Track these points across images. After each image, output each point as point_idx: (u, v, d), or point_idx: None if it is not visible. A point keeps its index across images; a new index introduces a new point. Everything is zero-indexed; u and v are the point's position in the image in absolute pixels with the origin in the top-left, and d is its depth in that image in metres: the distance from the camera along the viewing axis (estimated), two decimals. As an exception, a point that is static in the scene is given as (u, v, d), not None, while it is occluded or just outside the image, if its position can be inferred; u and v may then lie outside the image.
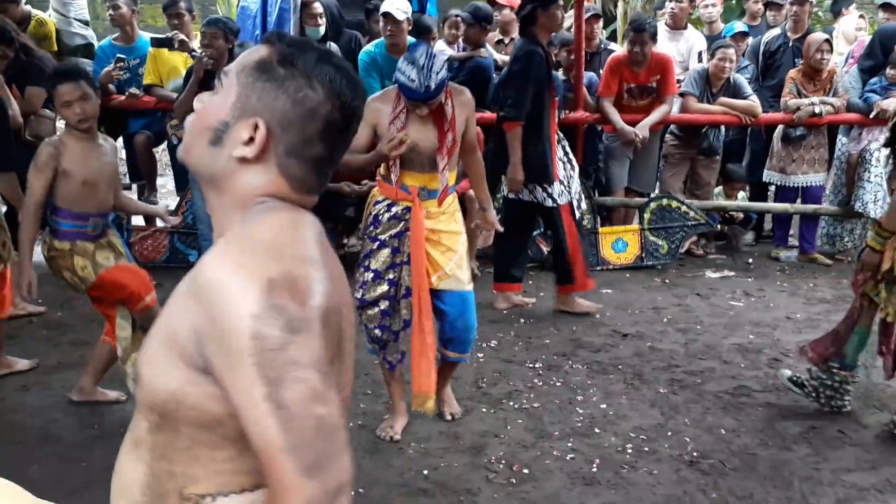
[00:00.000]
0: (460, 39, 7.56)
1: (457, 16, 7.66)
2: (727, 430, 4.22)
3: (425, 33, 7.23)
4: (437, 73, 3.73)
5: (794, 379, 4.53)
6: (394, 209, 4.01)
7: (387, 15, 6.40)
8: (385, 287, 4.02)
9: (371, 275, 4.03)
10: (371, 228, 4.07)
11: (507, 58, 7.19)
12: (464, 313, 4.13)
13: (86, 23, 6.81)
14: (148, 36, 6.95)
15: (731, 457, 3.95)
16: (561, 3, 5.57)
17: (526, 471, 3.81)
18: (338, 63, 1.44)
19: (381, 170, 4.13)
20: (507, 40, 7.78)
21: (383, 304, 4.03)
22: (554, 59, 6.58)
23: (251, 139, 1.37)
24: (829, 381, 4.35)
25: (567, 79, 6.88)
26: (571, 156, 5.89)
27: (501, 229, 4.59)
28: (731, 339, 5.41)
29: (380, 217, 4.03)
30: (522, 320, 5.71)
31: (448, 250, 4.03)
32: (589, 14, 7.21)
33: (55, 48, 6.76)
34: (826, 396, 4.38)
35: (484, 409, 4.40)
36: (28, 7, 6.89)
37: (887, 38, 6.95)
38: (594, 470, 3.80)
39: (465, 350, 4.23)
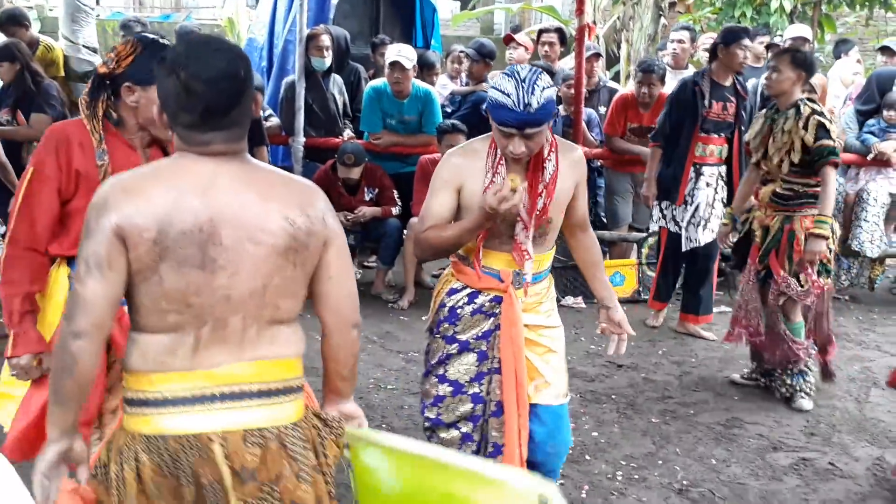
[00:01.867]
0: (463, 74, 7.65)
1: (460, 51, 7.76)
2: (718, 459, 4.22)
3: (429, 68, 7.33)
4: (543, 91, 2.78)
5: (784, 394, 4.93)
6: (478, 300, 3.09)
7: (394, 63, 6.47)
8: (469, 405, 3.14)
9: (449, 388, 3.13)
10: (446, 325, 3.14)
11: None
12: (558, 432, 3.21)
13: (94, 50, 6.90)
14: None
15: (721, 486, 3.96)
16: (745, 42, 5.71)
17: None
18: (191, 41, 2.00)
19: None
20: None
21: (466, 427, 3.16)
22: (557, 93, 6.62)
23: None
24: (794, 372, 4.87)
25: (567, 114, 6.93)
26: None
27: (633, 332, 3.36)
28: (724, 372, 5.41)
29: (458, 311, 3.11)
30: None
31: (548, 351, 3.15)
32: (590, 53, 7.25)
33: (62, 73, 6.84)
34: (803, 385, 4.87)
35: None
36: (37, 32, 6.99)
37: (883, 81, 7.03)
38: (583, 496, 3.81)
39: (552, 477, 3.25)
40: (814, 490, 3.95)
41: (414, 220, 6.49)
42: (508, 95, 2.76)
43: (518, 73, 2.80)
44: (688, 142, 5.81)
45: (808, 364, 4.81)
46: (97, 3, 13.97)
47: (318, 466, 2.01)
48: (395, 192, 6.63)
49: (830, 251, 4.64)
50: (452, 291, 3.14)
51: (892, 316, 6.78)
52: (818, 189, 4.55)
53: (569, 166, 2.99)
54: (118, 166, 2.53)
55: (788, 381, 4.83)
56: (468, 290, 3.10)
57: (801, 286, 4.59)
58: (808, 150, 4.46)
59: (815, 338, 4.79)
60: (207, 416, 1.89)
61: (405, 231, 6.61)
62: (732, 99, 5.82)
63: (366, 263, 7.50)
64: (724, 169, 5.95)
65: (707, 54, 7.93)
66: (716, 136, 5.87)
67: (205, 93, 1.87)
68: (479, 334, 3.10)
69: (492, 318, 3.08)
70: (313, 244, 1.99)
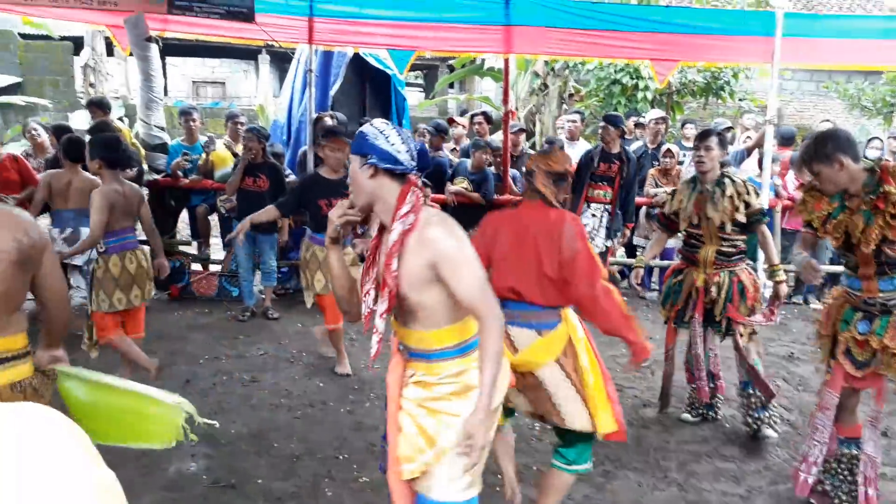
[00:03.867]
0: (425, 144, 7.65)
1: (423, 128, 7.78)
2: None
3: (401, 140, 7.31)
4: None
5: (758, 431, 3.91)
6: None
7: None
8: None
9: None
10: None
11: (456, 158, 7.29)
12: None
13: (162, 128, 6.80)
14: (203, 139, 6.97)
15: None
16: (609, 127, 6.13)
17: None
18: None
19: None
20: (458, 147, 7.85)
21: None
22: (486, 159, 6.70)
23: None
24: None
25: (498, 173, 6.96)
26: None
27: (480, 446, 1.99)
28: (609, 352, 5.27)
29: None
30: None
31: (427, 438, 2.04)
32: (516, 129, 7.33)
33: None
34: (774, 417, 3.97)
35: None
36: (115, 117, 6.90)
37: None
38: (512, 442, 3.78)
39: None
40: (671, 434, 3.98)
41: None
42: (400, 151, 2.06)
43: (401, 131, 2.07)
44: (583, 187, 6.22)
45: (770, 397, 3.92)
46: (165, 93, 13.81)
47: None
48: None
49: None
50: None
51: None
52: (743, 245, 3.93)
53: (417, 242, 1.97)
54: None
55: (755, 415, 3.91)
56: None
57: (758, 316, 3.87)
58: (749, 212, 3.80)
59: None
60: None
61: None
62: (616, 161, 6.20)
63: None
64: (611, 207, 6.23)
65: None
66: (602, 183, 6.25)
67: None
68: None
69: None
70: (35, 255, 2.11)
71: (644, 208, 7.17)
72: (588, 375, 2.69)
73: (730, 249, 3.87)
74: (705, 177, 3.90)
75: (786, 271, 4.25)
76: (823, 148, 2.88)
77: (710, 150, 3.87)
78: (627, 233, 6.55)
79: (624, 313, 2.74)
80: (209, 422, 2.07)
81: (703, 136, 3.96)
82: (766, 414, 3.91)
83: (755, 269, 4.17)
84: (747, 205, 3.78)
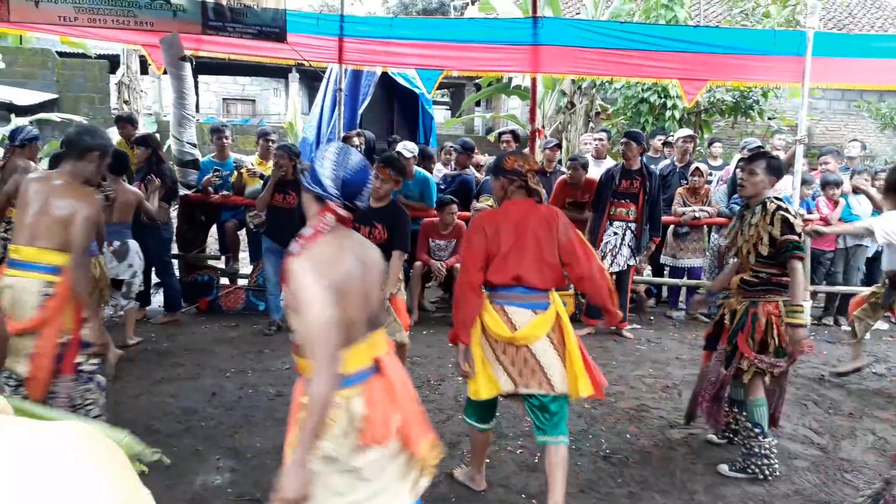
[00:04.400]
0: (452, 162, 7.70)
1: (450, 146, 7.82)
2: (631, 434, 4.18)
3: (429, 159, 7.37)
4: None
5: (733, 467, 3.70)
6: None
7: (399, 153, 6.53)
8: None
9: None
10: None
11: (480, 176, 7.31)
12: None
13: (194, 145, 6.92)
14: (237, 157, 7.08)
15: (633, 453, 3.91)
16: (632, 144, 6.18)
17: (487, 460, 3.75)
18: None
19: None
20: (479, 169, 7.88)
21: None
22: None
23: None
24: (758, 452, 3.62)
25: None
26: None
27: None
28: (636, 372, 5.38)
29: None
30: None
31: None
32: (552, 144, 7.36)
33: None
34: (763, 466, 3.63)
35: (459, 416, 4.34)
36: (141, 130, 7.04)
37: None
38: (535, 461, 3.75)
39: None
40: (698, 456, 3.91)
41: (418, 263, 6.52)
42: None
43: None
44: (605, 205, 6.25)
45: (769, 447, 3.65)
46: (197, 110, 14.06)
47: None
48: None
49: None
50: None
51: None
52: (782, 278, 3.57)
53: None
54: None
55: (751, 459, 3.65)
56: None
57: (771, 358, 3.57)
58: (775, 242, 3.51)
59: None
60: None
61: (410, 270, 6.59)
62: (637, 177, 6.15)
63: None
64: (633, 225, 6.16)
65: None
66: (624, 201, 6.23)
67: None
68: None
69: None
70: None
71: (672, 227, 7.13)
72: (573, 348, 3.08)
73: (752, 279, 3.61)
74: (749, 202, 3.70)
75: (816, 292, 4.21)
76: None
77: (754, 174, 3.62)
78: (653, 247, 6.48)
79: (611, 287, 3.22)
80: (155, 452, 1.83)
81: (749, 160, 3.72)
82: (763, 461, 3.62)
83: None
84: (771, 236, 3.51)
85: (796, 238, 3.48)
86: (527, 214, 3.11)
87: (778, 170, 3.69)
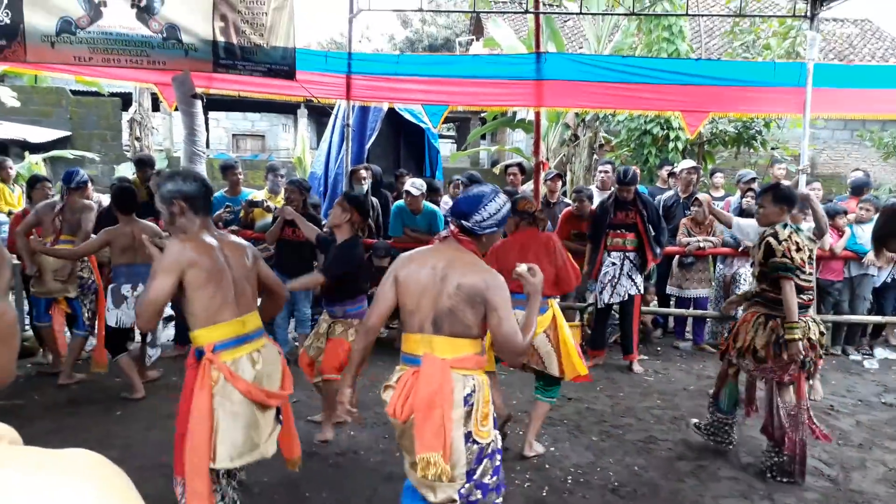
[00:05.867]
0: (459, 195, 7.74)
1: (457, 179, 7.89)
2: (640, 467, 4.14)
3: (435, 192, 7.43)
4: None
5: (697, 425, 4.53)
6: None
7: (408, 192, 6.59)
8: None
9: None
10: None
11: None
12: None
13: (205, 181, 6.99)
14: (248, 191, 7.14)
15: (642, 486, 3.87)
16: (626, 184, 6.14)
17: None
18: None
19: None
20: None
21: None
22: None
23: None
24: (715, 424, 4.40)
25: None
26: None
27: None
28: (643, 403, 5.34)
29: None
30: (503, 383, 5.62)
31: None
32: (553, 174, 7.39)
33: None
34: (714, 436, 4.41)
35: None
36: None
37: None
38: (544, 494, 3.73)
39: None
40: (707, 488, 3.87)
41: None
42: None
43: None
44: (601, 237, 6.27)
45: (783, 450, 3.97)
46: (207, 147, 14.24)
47: None
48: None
49: (817, 346, 3.94)
50: None
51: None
52: (773, 295, 3.90)
53: None
54: None
55: (773, 458, 4.01)
56: None
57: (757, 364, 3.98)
58: (762, 263, 3.90)
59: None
60: None
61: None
62: (632, 207, 6.18)
63: (391, 325, 7.45)
64: (632, 254, 6.15)
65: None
66: (620, 231, 6.25)
67: None
68: None
69: None
70: None
71: (677, 257, 7.13)
72: (566, 339, 4.11)
73: (757, 293, 4.06)
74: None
75: (823, 321, 4.28)
76: None
77: (762, 206, 4.00)
78: (652, 265, 6.43)
79: (578, 276, 4.31)
80: None
81: (759, 194, 4.17)
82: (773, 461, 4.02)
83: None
84: (757, 259, 3.94)
85: (778, 260, 3.81)
86: (530, 240, 4.25)
87: (786, 198, 3.94)
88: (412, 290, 2.52)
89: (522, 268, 2.56)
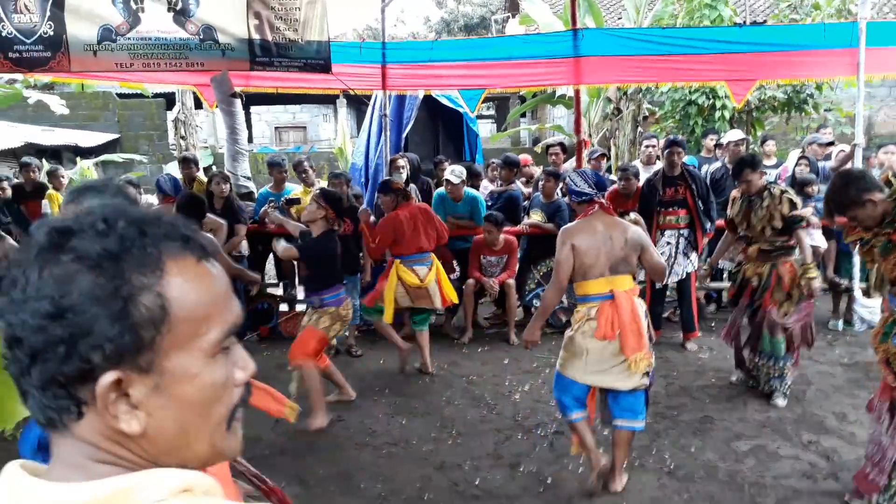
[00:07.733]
0: (498, 179, 7.70)
1: (494, 162, 7.84)
2: (696, 448, 4.09)
3: (475, 177, 7.39)
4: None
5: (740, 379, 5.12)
6: None
7: (448, 180, 6.57)
8: None
9: None
10: None
11: (529, 190, 7.28)
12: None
13: (248, 178, 7.12)
14: (291, 186, 7.24)
15: (698, 468, 3.83)
16: (676, 149, 6.06)
17: (549, 480, 3.73)
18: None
19: None
20: (529, 182, 7.88)
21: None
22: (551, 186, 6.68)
23: None
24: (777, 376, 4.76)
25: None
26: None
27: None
28: (698, 382, 5.25)
29: None
30: (548, 370, 5.60)
31: None
32: (597, 153, 7.28)
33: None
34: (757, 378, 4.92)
35: (520, 437, 4.34)
36: (201, 169, 7.33)
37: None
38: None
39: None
40: (767, 469, 3.80)
41: (470, 281, 6.52)
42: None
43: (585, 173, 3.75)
44: (651, 216, 5.98)
45: (786, 369, 4.70)
46: (250, 141, 14.48)
47: None
48: (454, 261, 6.61)
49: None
50: None
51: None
52: (789, 243, 4.65)
53: None
54: None
55: (771, 383, 4.76)
56: None
57: (784, 314, 4.62)
58: (784, 218, 4.58)
59: (805, 341, 4.72)
60: None
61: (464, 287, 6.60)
62: (681, 182, 5.92)
63: (438, 311, 7.48)
64: (686, 231, 6.00)
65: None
66: (672, 209, 6.01)
67: None
68: None
69: None
70: None
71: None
72: (443, 281, 5.29)
73: (769, 248, 4.68)
74: (751, 192, 4.77)
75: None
76: (848, 194, 3.03)
77: (750, 180, 4.74)
78: (705, 241, 6.29)
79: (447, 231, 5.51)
80: None
81: (736, 175, 4.87)
82: (782, 383, 4.71)
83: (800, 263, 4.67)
84: (782, 214, 4.56)
85: (797, 213, 4.57)
86: (413, 211, 5.39)
87: (759, 162, 4.95)
88: (591, 251, 3.43)
89: (633, 216, 3.78)
